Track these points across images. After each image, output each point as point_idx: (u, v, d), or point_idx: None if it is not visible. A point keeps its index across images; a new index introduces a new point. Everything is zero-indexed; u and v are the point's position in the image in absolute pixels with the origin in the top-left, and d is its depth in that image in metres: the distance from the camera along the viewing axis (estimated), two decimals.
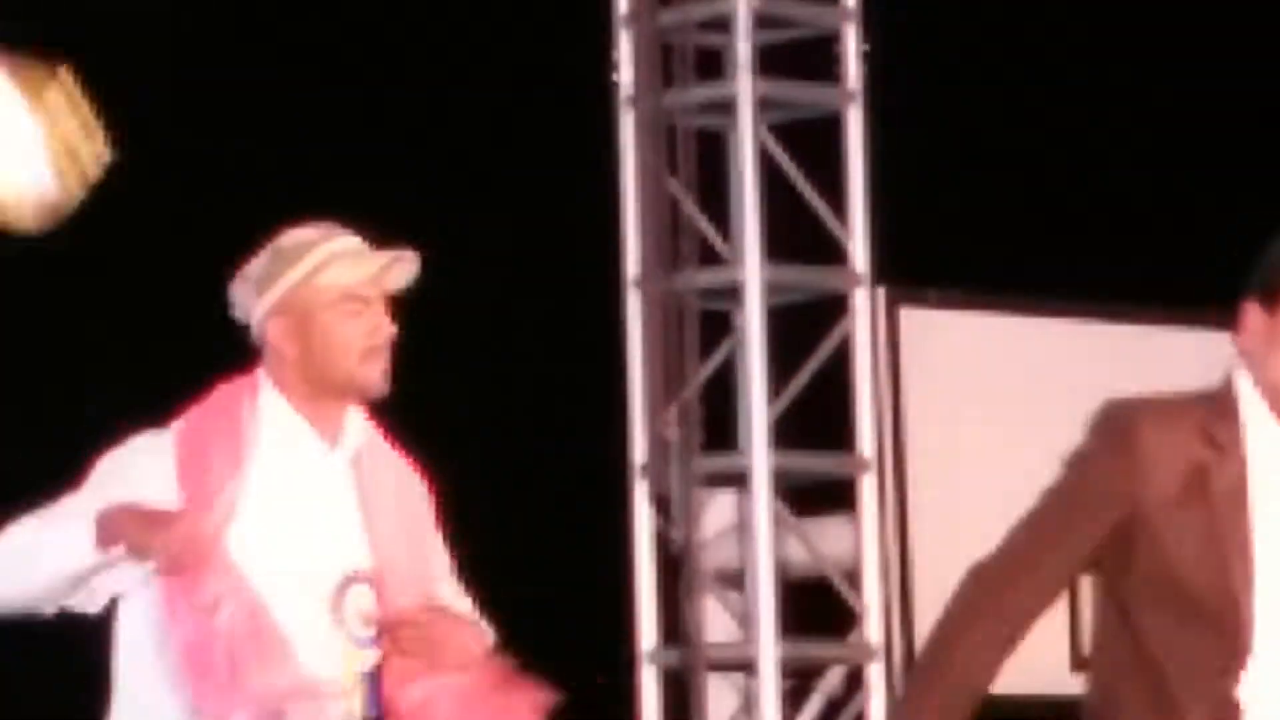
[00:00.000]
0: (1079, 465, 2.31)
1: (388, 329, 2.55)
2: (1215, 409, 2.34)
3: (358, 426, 2.61)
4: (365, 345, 2.54)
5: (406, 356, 2.68)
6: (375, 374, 2.54)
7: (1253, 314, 2.31)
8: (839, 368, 4.45)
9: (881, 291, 4.59)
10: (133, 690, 2.57)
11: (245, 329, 2.58)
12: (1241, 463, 2.33)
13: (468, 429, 4.89)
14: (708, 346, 4.39)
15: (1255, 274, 2.34)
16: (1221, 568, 2.34)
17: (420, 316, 2.78)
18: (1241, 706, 2.36)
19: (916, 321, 4.70)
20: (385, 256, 2.58)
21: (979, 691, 2.24)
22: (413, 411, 2.85)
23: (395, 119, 5.89)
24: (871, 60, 4.59)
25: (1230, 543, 2.34)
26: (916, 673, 2.68)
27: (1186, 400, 2.36)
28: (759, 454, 4.09)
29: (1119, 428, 2.28)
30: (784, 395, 4.15)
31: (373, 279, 2.56)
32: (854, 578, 4.36)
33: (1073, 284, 5.50)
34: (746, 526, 4.20)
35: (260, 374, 2.57)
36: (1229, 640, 2.32)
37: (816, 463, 4.46)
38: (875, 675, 4.27)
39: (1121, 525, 2.25)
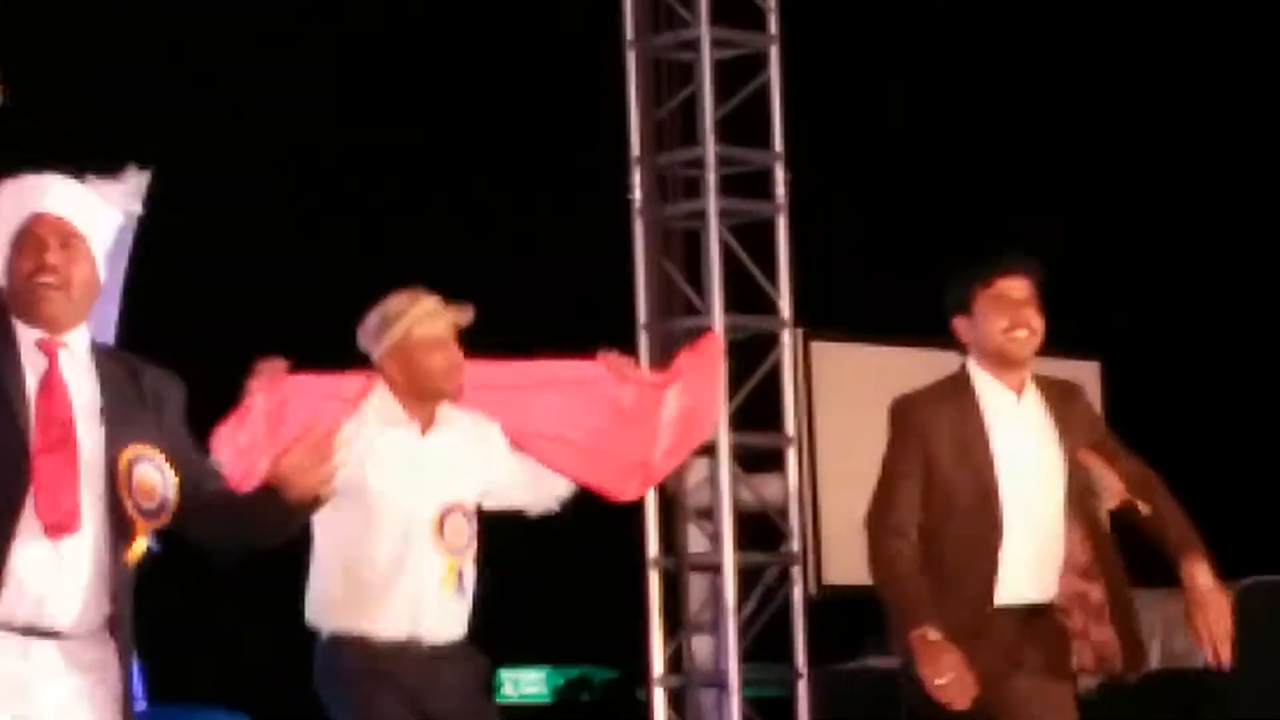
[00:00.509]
0: (892, 439, 3.40)
1: (458, 358, 3.54)
2: (958, 383, 3.40)
3: (446, 415, 3.56)
4: (445, 370, 3.52)
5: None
6: (452, 387, 3.56)
7: (962, 325, 3.36)
8: (774, 379, 6.36)
9: (800, 331, 6.58)
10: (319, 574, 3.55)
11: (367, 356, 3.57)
12: (979, 409, 3.36)
13: None
14: None
15: (951, 301, 3.41)
16: (979, 478, 3.32)
17: (473, 347, 3.70)
18: (999, 572, 3.34)
19: (823, 350, 6.83)
20: (453, 311, 3.53)
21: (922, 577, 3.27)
22: None
23: (465, 219, 7.90)
24: (795, 183, 6.58)
25: (983, 459, 3.33)
26: (898, 597, 3.51)
27: (941, 384, 3.46)
28: (723, 433, 5.96)
29: (900, 411, 3.43)
30: (738, 396, 6.02)
31: (446, 327, 3.52)
32: (783, 513, 6.25)
33: (927, 324, 7.74)
34: (714, 480, 6.06)
35: (380, 383, 3.55)
36: (989, 526, 3.29)
37: (759, 439, 6.33)
38: (796, 574, 6.20)
39: (923, 462, 3.30)
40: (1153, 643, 6.80)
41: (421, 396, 3.56)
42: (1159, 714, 6.48)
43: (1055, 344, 5.55)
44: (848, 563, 6.66)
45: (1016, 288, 3.51)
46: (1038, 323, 3.53)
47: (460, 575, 3.62)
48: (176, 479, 2.41)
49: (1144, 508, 3.66)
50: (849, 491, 6.29)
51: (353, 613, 3.57)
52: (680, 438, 4.00)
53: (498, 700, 10.90)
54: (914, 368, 6.87)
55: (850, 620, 6.69)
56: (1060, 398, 3.67)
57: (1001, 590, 3.49)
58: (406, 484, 3.51)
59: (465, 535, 3.55)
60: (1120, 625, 3.64)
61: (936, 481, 3.52)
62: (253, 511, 2.60)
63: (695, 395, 4.04)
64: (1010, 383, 3.55)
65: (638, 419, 3.97)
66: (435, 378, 3.54)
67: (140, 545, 2.47)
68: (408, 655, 3.60)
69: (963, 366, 3.57)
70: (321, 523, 3.51)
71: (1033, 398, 3.59)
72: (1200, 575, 3.48)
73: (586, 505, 4.00)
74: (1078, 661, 3.72)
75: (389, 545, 3.55)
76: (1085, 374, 7.64)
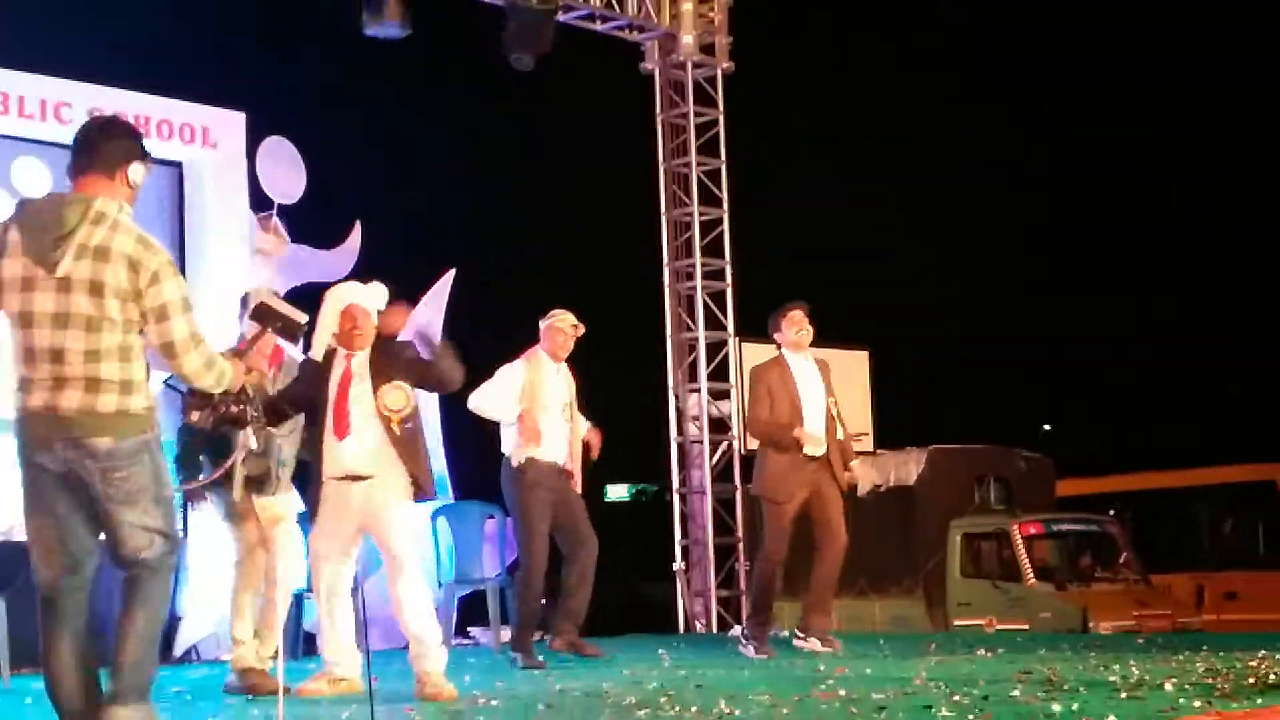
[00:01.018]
0: (754, 381, 7.42)
1: (568, 345, 7.11)
2: (780, 359, 7.37)
3: (564, 367, 7.20)
4: (563, 348, 7.13)
5: None
6: (564, 353, 7.17)
7: (777, 333, 7.40)
8: (725, 360, 12.68)
9: (738, 338, 12.42)
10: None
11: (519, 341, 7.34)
12: (789, 369, 7.27)
13: None
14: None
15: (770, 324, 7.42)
16: (794, 398, 7.20)
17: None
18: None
19: (749, 350, 12.46)
20: (577, 325, 7.16)
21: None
22: None
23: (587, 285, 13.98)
24: (738, 244, 13.04)
25: (794, 389, 7.21)
26: (772, 435, 7.19)
27: (773, 356, 7.44)
28: (703, 383, 12.31)
29: (756, 370, 7.48)
30: (710, 366, 12.54)
31: (567, 326, 7.10)
32: (728, 417, 12.62)
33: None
34: (699, 400, 12.80)
35: (540, 349, 7.12)
36: (796, 417, 7.18)
37: (717, 386, 12.54)
38: (736, 444, 12.65)
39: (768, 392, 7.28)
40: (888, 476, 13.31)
41: (557, 358, 7.13)
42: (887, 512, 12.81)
43: (834, 338, 10.25)
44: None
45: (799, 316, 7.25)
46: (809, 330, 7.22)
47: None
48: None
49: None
50: None
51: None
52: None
53: (605, 501, 17.35)
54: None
55: None
56: (822, 364, 7.33)
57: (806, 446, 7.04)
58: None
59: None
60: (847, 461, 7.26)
61: (775, 400, 7.20)
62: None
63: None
64: (803, 355, 7.24)
65: None
66: (565, 350, 7.13)
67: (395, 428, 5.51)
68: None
69: (778, 348, 7.36)
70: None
71: (810, 363, 7.28)
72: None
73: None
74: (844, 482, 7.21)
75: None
76: (857, 360, 14.06)
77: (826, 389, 7.21)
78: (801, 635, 7.39)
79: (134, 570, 3.74)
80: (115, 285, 3.68)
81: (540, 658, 7.09)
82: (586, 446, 7.31)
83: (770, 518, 7.26)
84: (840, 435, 7.24)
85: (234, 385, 4.15)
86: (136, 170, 3.85)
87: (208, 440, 5.56)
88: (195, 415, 4.39)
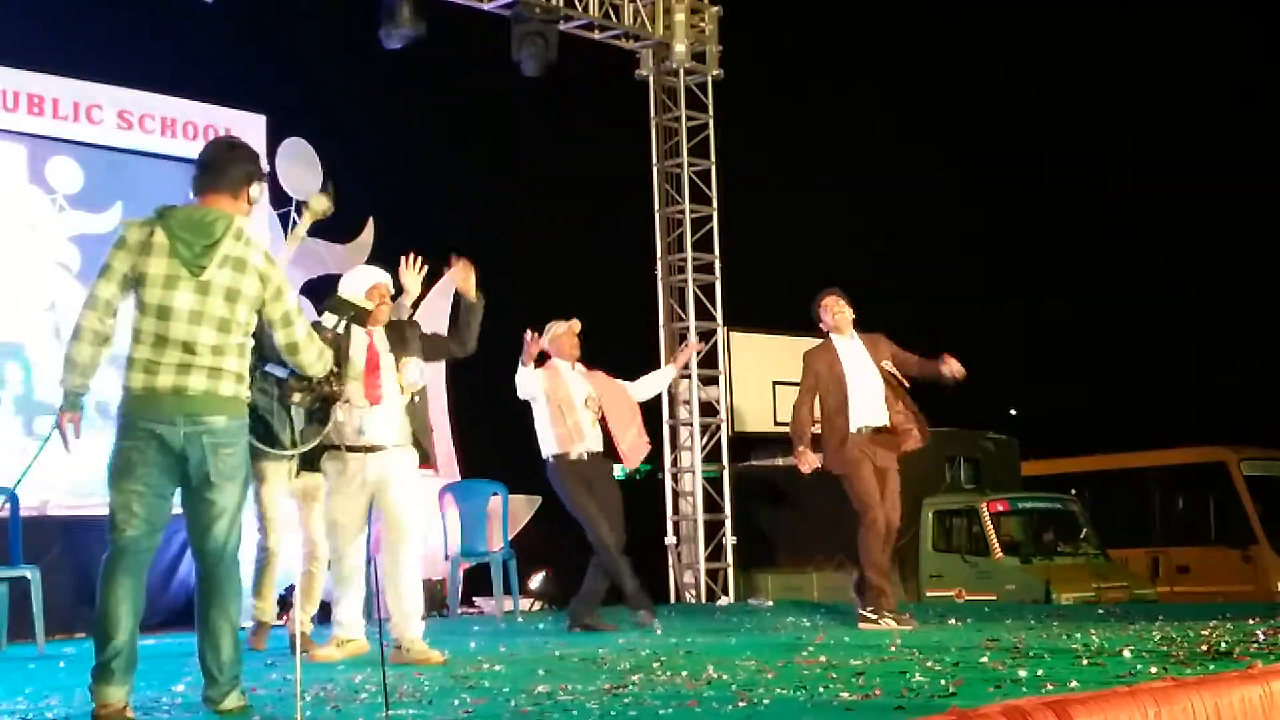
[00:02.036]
0: (804, 369, 7.04)
1: (576, 342, 7.29)
2: (828, 343, 7.11)
3: (580, 368, 7.37)
4: (572, 349, 7.32)
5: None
6: (576, 353, 7.33)
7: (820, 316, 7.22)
8: (714, 348, 12.66)
9: (726, 328, 12.57)
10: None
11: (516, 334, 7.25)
12: (836, 352, 7.05)
13: None
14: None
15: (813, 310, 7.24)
16: (840, 378, 7.02)
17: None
18: (851, 422, 6.98)
19: (736, 339, 12.79)
20: (575, 325, 7.33)
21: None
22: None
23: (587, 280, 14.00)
24: (726, 239, 13.05)
25: (840, 370, 6.99)
26: (796, 431, 7.06)
27: (821, 342, 7.14)
28: (693, 369, 12.20)
29: (806, 356, 7.13)
30: (701, 354, 12.67)
31: (570, 330, 7.29)
32: (716, 401, 12.70)
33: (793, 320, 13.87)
34: (690, 386, 12.78)
35: (553, 360, 7.29)
36: (845, 400, 7.01)
37: (707, 373, 12.58)
38: (725, 429, 12.72)
39: (815, 382, 7.01)
40: None
41: (568, 359, 7.31)
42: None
43: (814, 328, 10.81)
44: (742, 419, 13.22)
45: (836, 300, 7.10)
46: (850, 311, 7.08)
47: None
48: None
49: (914, 369, 7.01)
50: (752, 398, 12.99)
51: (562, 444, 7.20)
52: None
53: None
54: (776, 344, 13.63)
55: (747, 445, 13.32)
56: (872, 342, 7.06)
57: (853, 421, 6.89)
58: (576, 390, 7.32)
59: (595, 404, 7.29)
60: (918, 423, 6.95)
61: (826, 380, 6.94)
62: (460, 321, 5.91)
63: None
64: (847, 335, 7.03)
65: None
66: (573, 353, 7.30)
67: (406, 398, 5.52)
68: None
69: (827, 334, 7.07)
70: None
71: (856, 342, 7.03)
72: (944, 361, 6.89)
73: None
74: (904, 446, 6.85)
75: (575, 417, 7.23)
76: None
77: (877, 364, 6.99)
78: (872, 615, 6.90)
79: (216, 566, 3.97)
80: (248, 294, 3.99)
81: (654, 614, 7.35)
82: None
83: (847, 485, 6.93)
84: (901, 406, 6.97)
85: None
86: (255, 189, 4.11)
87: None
88: (297, 396, 4.50)
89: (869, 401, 6.94)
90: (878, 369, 6.97)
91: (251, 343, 4.09)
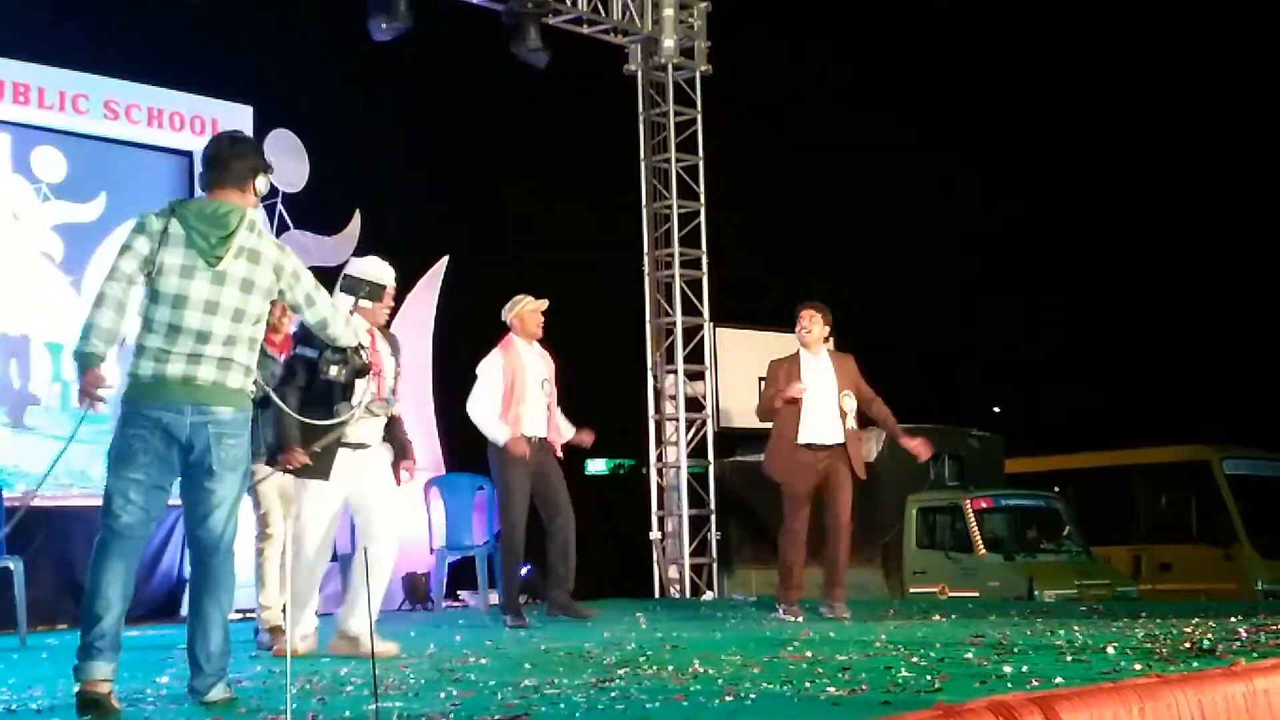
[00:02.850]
0: (768, 373, 7.37)
1: (540, 322, 7.21)
2: (795, 355, 7.28)
3: (539, 348, 7.32)
4: (536, 327, 7.26)
5: None
6: (539, 333, 7.30)
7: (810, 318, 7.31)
8: (701, 344, 12.67)
9: (713, 324, 12.53)
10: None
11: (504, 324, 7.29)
12: (798, 363, 7.18)
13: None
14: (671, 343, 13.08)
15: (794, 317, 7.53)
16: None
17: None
18: (800, 435, 7.18)
19: (723, 334, 12.73)
20: (543, 304, 7.31)
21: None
22: None
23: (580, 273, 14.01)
24: (713, 235, 13.05)
25: (797, 379, 7.15)
26: (768, 406, 7.20)
27: (790, 353, 7.30)
28: (679, 364, 12.38)
29: (771, 364, 7.36)
30: (688, 348, 12.63)
31: (537, 308, 7.24)
32: (703, 396, 12.69)
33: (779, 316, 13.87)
34: (676, 380, 12.79)
35: (512, 335, 7.20)
36: (798, 415, 7.14)
37: (693, 368, 12.51)
38: (710, 424, 12.72)
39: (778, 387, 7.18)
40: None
41: (528, 339, 7.24)
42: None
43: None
44: (727, 415, 13.12)
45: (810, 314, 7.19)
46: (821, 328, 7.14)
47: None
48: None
49: (866, 407, 7.16)
50: (737, 394, 12.98)
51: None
52: None
53: (585, 474, 17.42)
54: (763, 340, 13.61)
55: (732, 441, 13.33)
56: (840, 360, 7.21)
57: (802, 435, 7.08)
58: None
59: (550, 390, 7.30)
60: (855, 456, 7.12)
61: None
62: None
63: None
64: (815, 351, 7.15)
65: None
66: (535, 331, 7.24)
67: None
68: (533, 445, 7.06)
69: (798, 347, 7.26)
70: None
71: (824, 360, 7.17)
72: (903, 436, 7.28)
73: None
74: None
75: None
76: None
77: (839, 384, 7.13)
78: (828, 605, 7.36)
79: (212, 555, 3.99)
80: (262, 285, 4.03)
81: (526, 618, 7.11)
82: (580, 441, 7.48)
83: (784, 498, 7.23)
84: (851, 425, 7.15)
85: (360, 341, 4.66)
86: (261, 182, 4.16)
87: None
88: (333, 370, 4.60)
89: (821, 420, 7.09)
90: (839, 391, 7.10)
91: (262, 335, 4.14)
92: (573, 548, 7.31)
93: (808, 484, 7.13)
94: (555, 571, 7.35)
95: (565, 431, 7.45)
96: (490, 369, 7.17)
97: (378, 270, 5.75)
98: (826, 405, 7.11)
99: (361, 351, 4.63)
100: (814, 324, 7.16)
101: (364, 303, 5.55)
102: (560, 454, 7.39)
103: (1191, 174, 22.47)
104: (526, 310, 7.22)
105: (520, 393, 7.09)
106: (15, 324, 9.12)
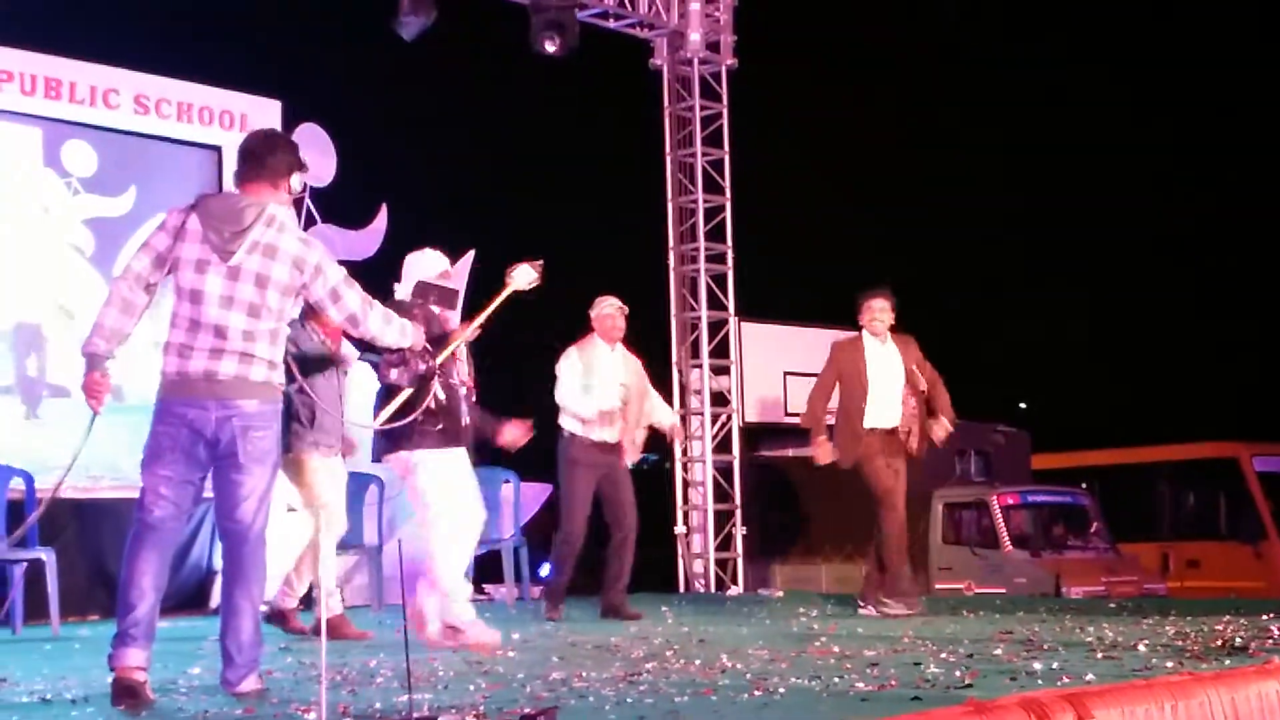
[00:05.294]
0: (828, 359, 7.37)
1: (622, 325, 7.34)
2: (858, 340, 7.30)
3: (620, 348, 7.38)
4: (612, 328, 7.34)
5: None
6: (616, 335, 7.41)
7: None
8: (725, 340, 12.83)
9: (738, 319, 12.54)
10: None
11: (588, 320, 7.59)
12: (864, 352, 7.25)
13: None
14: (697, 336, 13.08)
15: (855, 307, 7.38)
16: (863, 379, 7.25)
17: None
18: (866, 420, 7.29)
19: (748, 329, 12.72)
20: (612, 303, 7.35)
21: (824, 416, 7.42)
22: None
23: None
24: (739, 229, 12.99)
25: (865, 371, 7.21)
26: (811, 421, 7.32)
27: (852, 336, 7.38)
28: (705, 359, 12.36)
29: (833, 347, 7.43)
30: (713, 342, 12.67)
31: (618, 310, 7.35)
32: (728, 391, 12.74)
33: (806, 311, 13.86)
34: (701, 374, 12.79)
35: (593, 334, 7.36)
36: (864, 401, 7.26)
37: (718, 363, 12.65)
38: (736, 419, 12.81)
39: (837, 376, 7.36)
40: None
41: (611, 341, 7.29)
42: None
43: (828, 320, 10.52)
44: (752, 410, 13.12)
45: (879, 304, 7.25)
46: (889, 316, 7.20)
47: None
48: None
49: (927, 390, 7.20)
50: (762, 387, 12.97)
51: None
52: None
53: None
54: (788, 335, 13.60)
55: (756, 438, 13.28)
56: (903, 343, 7.28)
57: (868, 420, 7.16)
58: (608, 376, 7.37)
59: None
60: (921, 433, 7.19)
61: (847, 375, 7.20)
62: None
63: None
64: (880, 340, 7.23)
65: None
66: (615, 334, 7.29)
67: None
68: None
69: (859, 331, 7.25)
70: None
71: (890, 347, 7.25)
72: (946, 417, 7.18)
73: None
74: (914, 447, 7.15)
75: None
76: None
77: (906, 371, 7.18)
78: (878, 602, 7.22)
79: (241, 546, 4.00)
80: (279, 280, 4.00)
81: (560, 611, 7.14)
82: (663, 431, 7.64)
83: (864, 477, 7.17)
84: (914, 409, 7.19)
85: (417, 344, 4.48)
86: (296, 180, 4.16)
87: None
88: (392, 373, 4.58)
89: (887, 405, 7.13)
90: (905, 373, 7.15)
91: (286, 330, 4.15)
92: (630, 552, 7.30)
93: (884, 462, 7.10)
94: (608, 571, 7.34)
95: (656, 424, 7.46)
96: (565, 367, 7.24)
97: (440, 265, 5.64)
98: (893, 391, 7.16)
99: (428, 359, 4.54)
100: (884, 314, 7.19)
101: (435, 309, 5.44)
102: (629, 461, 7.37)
103: (1212, 171, 22.28)
104: (605, 310, 7.28)
105: (594, 390, 7.13)
106: (46, 317, 9.17)
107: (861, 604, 7.30)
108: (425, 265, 5.68)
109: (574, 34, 11.14)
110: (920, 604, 7.28)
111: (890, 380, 7.20)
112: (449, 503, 5.40)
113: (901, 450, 7.17)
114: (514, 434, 5.91)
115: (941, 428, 7.24)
